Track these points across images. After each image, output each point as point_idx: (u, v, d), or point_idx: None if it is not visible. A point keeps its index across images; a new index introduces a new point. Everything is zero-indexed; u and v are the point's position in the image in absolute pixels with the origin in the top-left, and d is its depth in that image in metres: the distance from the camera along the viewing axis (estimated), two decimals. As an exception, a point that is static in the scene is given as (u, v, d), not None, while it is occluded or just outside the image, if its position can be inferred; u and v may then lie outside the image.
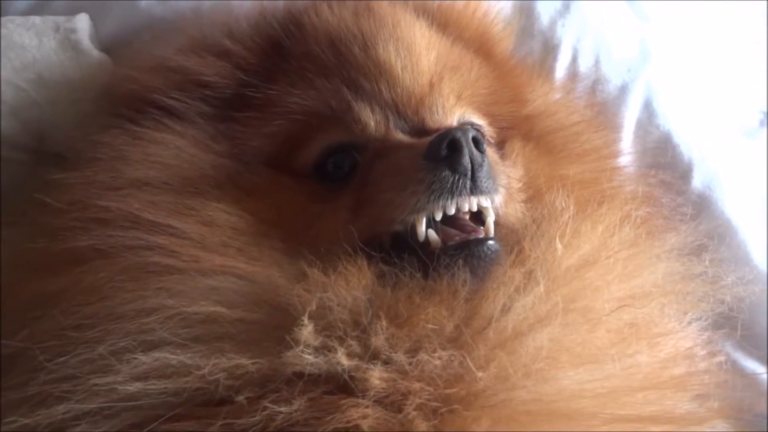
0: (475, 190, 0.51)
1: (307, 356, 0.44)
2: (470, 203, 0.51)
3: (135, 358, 0.45)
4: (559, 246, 0.51)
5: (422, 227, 0.50)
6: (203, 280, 0.48)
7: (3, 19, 0.66)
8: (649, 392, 0.48)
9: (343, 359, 0.44)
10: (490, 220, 0.52)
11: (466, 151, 0.50)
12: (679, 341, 0.54)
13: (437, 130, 0.55)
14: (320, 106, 0.57)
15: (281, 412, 0.43)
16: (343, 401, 0.44)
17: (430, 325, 0.46)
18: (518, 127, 0.64)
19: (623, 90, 0.80)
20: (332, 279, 0.47)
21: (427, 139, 0.52)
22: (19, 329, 0.51)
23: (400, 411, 0.44)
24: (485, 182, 0.51)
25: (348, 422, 0.43)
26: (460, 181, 0.50)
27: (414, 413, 0.44)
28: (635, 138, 0.80)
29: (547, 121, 0.68)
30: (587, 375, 0.46)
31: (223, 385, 0.44)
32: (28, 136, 0.63)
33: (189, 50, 0.61)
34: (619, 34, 0.84)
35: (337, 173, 0.56)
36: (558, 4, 0.83)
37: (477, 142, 0.50)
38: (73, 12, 0.69)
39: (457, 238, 0.50)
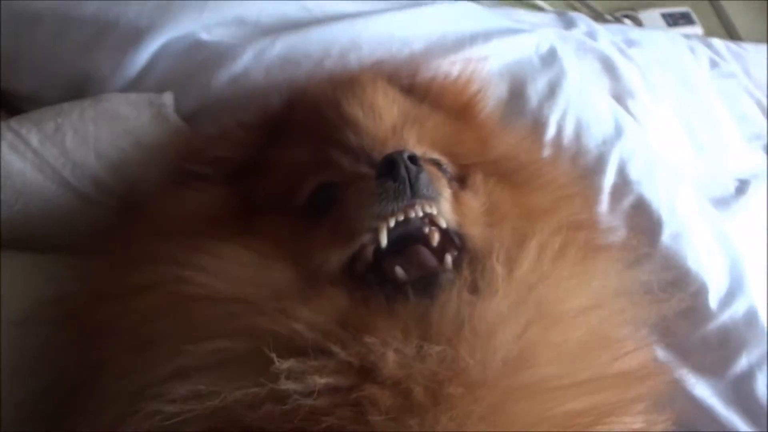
0: (416, 195, 0.59)
1: (289, 384, 0.51)
2: (416, 210, 0.60)
3: (176, 386, 0.52)
4: (497, 266, 0.60)
5: (384, 234, 0.59)
6: (222, 307, 0.57)
7: (107, 94, 0.82)
8: (603, 386, 0.57)
9: (317, 379, 0.51)
10: (448, 257, 0.62)
11: (401, 164, 0.59)
12: (635, 353, 0.63)
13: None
14: (306, 157, 0.70)
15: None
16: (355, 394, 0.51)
17: (396, 336, 0.53)
18: (481, 168, 0.74)
19: (600, 159, 0.93)
20: (303, 307, 0.55)
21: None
22: (86, 353, 0.60)
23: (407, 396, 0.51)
24: (425, 189, 0.60)
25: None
26: (400, 187, 0.59)
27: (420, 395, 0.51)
28: (612, 200, 0.91)
29: (509, 163, 0.77)
30: (552, 370, 0.55)
31: (244, 404, 0.51)
32: (124, 186, 0.77)
33: (215, 138, 0.77)
34: (596, 111, 0.97)
35: (322, 206, 0.65)
36: (545, 89, 0.97)
37: (413, 159, 0.60)
38: (162, 89, 0.85)
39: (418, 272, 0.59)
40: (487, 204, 0.70)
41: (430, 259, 0.61)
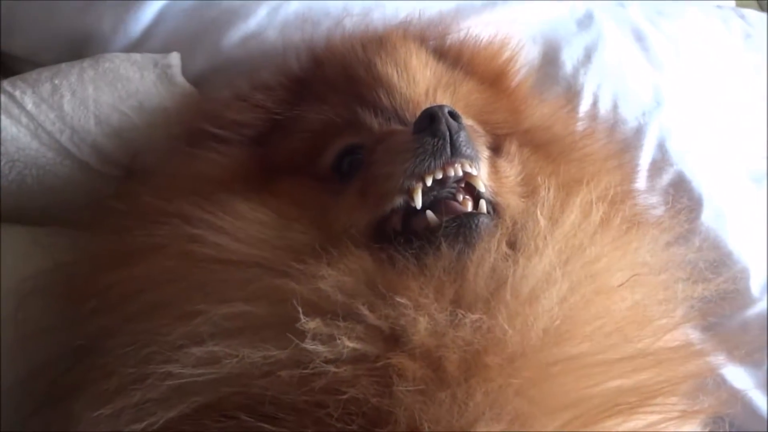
0: (456, 154, 0.56)
1: (315, 345, 0.48)
2: (455, 169, 0.56)
3: (190, 351, 0.49)
4: (541, 218, 0.56)
5: (419, 195, 0.56)
6: (236, 272, 0.54)
7: (108, 54, 0.76)
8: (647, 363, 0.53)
9: (346, 342, 0.48)
10: (483, 202, 0.58)
11: (442, 119, 0.56)
12: (677, 331, 0.59)
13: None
14: (333, 118, 0.66)
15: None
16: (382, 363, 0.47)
17: (427, 297, 0.49)
18: (515, 138, 0.70)
19: (639, 132, 0.88)
20: (328, 268, 0.52)
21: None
22: (87, 324, 0.58)
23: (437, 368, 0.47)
24: (465, 148, 0.56)
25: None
26: (440, 143, 0.55)
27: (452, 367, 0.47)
28: (650, 176, 0.86)
29: (544, 134, 0.74)
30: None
31: (261, 370, 0.48)
32: (126, 154, 0.72)
33: (230, 99, 0.72)
34: (635, 81, 0.92)
35: (350, 170, 0.63)
36: (580, 55, 0.91)
37: (453, 115, 0.57)
38: (166, 50, 0.79)
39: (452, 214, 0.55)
40: (522, 174, 0.66)
41: (463, 208, 0.57)
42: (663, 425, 0.52)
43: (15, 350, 0.63)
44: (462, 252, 0.53)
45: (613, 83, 0.90)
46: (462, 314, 0.49)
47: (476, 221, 0.55)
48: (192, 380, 0.49)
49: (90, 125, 0.71)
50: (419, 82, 0.67)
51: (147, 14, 0.81)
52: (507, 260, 0.53)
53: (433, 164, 0.56)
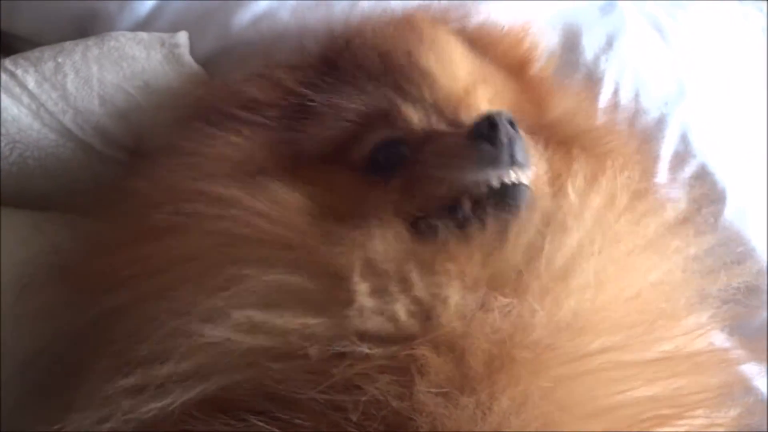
0: (513, 162, 0.55)
1: (365, 316, 0.47)
2: (510, 176, 0.56)
3: (226, 315, 0.48)
4: (572, 193, 0.57)
5: (468, 205, 0.55)
6: (272, 250, 0.53)
7: (114, 33, 0.73)
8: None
9: (401, 313, 0.47)
10: (523, 176, 0.57)
11: (503, 127, 0.55)
12: (706, 333, 0.56)
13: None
14: (371, 108, 0.63)
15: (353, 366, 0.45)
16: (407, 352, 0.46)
17: (464, 271, 0.49)
18: (541, 133, 0.69)
19: (661, 122, 0.85)
20: (372, 238, 0.51)
21: (470, 123, 0.59)
22: (92, 307, 0.55)
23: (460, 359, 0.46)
24: (521, 157, 0.56)
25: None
26: (500, 152, 0.55)
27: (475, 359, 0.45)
28: (672, 167, 0.84)
29: (567, 127, 0.72)
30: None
31: (295, 344, 0.47)
32: (131, 136, 0.69)
33: (252, 78, 0.69)
34: (658, 70, 0.89)
35: (387, 164, 0.61)
36: (602, 41, 0.88)
37: (511, 123, 0.56)
38: (174, 31, 0.76)
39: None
40: (549, 173, 0.64)
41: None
42: None
43: (14, 338, 0.61)
44: (509, 216, 0.53)
45: (635, 71, 0.87)
46: (494, 297, 0.47)
47: (523, 188, 0.55)
48: (219, 352, 0.47)
49: (94, 105, 0.68)
50: (459, 78, 0.65)
51: (154, -7, 0.78)
52: (542, 235, 0.51)
53: (491, 174, 0.55)
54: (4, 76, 0.69)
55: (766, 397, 0.73)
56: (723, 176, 0.83)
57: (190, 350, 0.48)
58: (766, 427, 0.70)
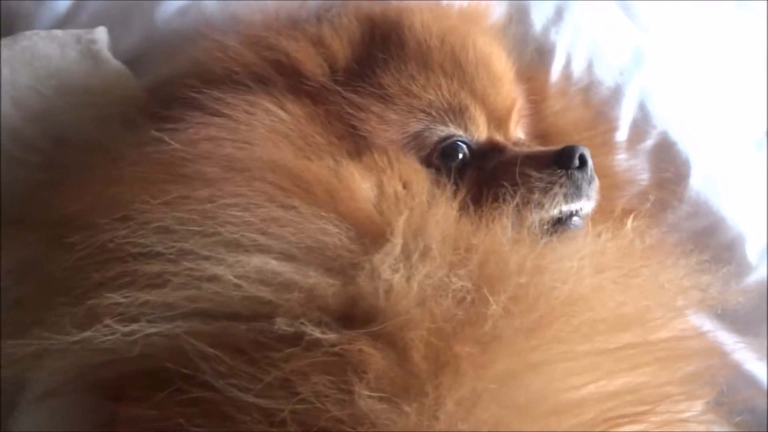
0: (583, 194, 0.61)
1: (383, 277, 0.46)
2: (578, 207, 0.61)
3: (239, 258, 0.47)
4: None
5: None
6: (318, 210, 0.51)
7: (27, 33, 0.70)
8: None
9: (419, 269, 0.47)
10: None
11: (588, 164, 0.61)
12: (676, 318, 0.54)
13: (514, 142, 0.67)
14: (442, 101, 0.64)
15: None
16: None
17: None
18: (536, 140, 0.71)
19: (616, 92, 0.82)
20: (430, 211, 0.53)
21: (552, 150, 0.63)
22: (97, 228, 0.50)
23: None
24: (590, 189, 0.62)
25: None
26: (579, 185, 0.61)
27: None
28: (631, 137, 0.81)
29: (554, 131, 0.74)
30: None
31: (293, 312, 0.45)
32: (47, 139, 0.66)
33: (284, 32, 0.65)
34: (612, 39, 0.86)
35: (446, 162, 0.63)
36: (551, 12, 0.85)
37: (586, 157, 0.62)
38: (96, 26, 0.73)
39: None
40: None
41: None
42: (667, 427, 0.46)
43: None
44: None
45: (587, 42, 0.84)
46: (454, 277, 0.47)
47: (582, 219, 0.61)
48: (214, 291, 0.46)
49: (7, 109, 0.65)
50: (511, 87, 0.70)
51: (70, -12, 0.75)
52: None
53: (565, 205, 0.60)
54: None
55: (766, 384, 0.70)
56: (687, 145, 0.80)
57: (190, 281, 0.46)
58: (766, 413, 0.68)
